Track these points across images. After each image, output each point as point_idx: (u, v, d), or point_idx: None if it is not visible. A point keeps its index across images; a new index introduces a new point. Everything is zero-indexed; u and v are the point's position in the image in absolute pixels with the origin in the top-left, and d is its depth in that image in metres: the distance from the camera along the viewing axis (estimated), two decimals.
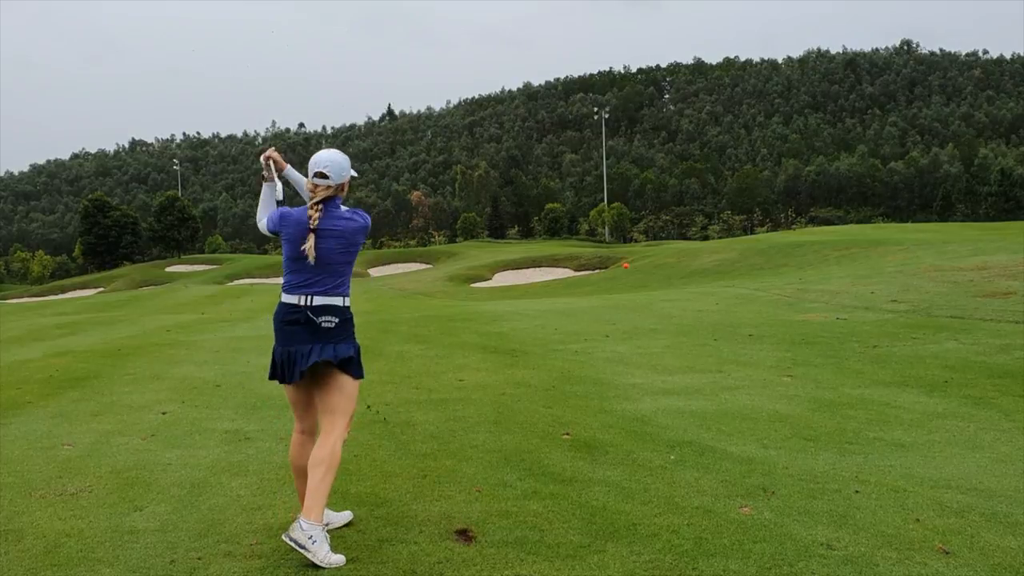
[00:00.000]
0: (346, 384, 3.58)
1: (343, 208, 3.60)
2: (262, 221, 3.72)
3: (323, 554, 3.28)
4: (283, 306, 3.57)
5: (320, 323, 3.51)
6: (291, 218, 3.58)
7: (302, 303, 3.51)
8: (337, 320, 3.53)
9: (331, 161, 3.57)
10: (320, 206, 3.53)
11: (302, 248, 3.49)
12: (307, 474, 3.50)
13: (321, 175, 3.53)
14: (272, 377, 3.66)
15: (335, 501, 4.05)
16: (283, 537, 3.38)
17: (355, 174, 3.72)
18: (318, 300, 3.51)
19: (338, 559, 3.32)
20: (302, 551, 3.28)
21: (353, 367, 3.59)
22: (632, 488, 4.26)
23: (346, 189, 3.65)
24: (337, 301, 3.54)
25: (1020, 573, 3.20)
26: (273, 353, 3.65)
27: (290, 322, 3.53)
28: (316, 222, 3.50)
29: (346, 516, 3.82)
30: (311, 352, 3.51)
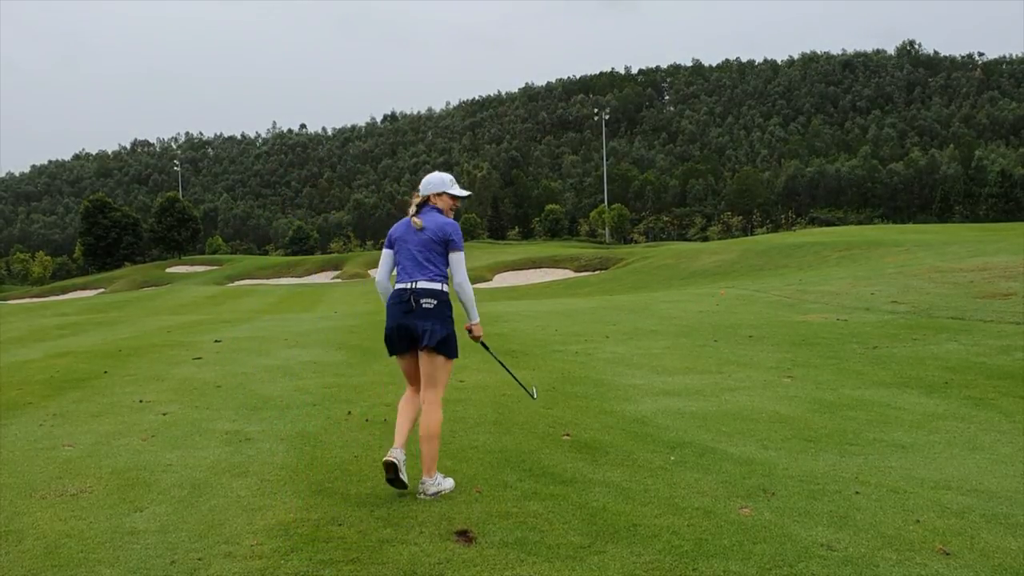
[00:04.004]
0: (437, 360, 4.32)
1: (440, 216, 4.43)
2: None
3: (448, 487, 4.24)
4: (394, 291, 4.42)
5: (422, 304, 4.28)
6: (395, 228, 4.55)
7: (408, 287, 4.31)
8: (435, 303, 4.28)
9: (426, 180, 4.55)
10: (415, 208, 4.46)
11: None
12: (408, 417, 4.38)
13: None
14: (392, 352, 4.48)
15: (335, 501, 4.06)
16: (418, 495, 4.13)
17: (460, 192, 4.51)
18: (420, 284, 4.29)
19: (449, 483, 4.28)
20: (439, 494, 4.15)
21: (446, 348, 4.34)
22: (632, 489, 4.27)
23: (440, 202, 4.46)
24: (435, 286, 4.31)
25: (1020, 574, 3.20)
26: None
27: (398, 303, 4.35)
28: (412, 218, 4.43)
29: (449, 483, 4.36)
30: (417, 330, 4.29)
